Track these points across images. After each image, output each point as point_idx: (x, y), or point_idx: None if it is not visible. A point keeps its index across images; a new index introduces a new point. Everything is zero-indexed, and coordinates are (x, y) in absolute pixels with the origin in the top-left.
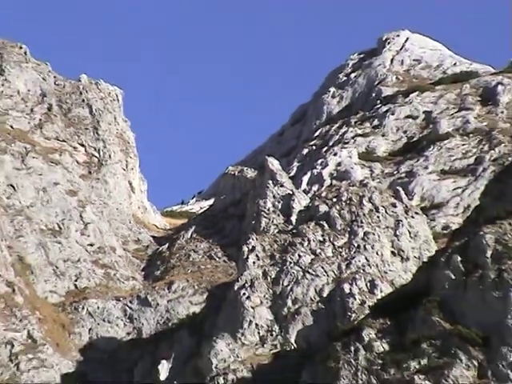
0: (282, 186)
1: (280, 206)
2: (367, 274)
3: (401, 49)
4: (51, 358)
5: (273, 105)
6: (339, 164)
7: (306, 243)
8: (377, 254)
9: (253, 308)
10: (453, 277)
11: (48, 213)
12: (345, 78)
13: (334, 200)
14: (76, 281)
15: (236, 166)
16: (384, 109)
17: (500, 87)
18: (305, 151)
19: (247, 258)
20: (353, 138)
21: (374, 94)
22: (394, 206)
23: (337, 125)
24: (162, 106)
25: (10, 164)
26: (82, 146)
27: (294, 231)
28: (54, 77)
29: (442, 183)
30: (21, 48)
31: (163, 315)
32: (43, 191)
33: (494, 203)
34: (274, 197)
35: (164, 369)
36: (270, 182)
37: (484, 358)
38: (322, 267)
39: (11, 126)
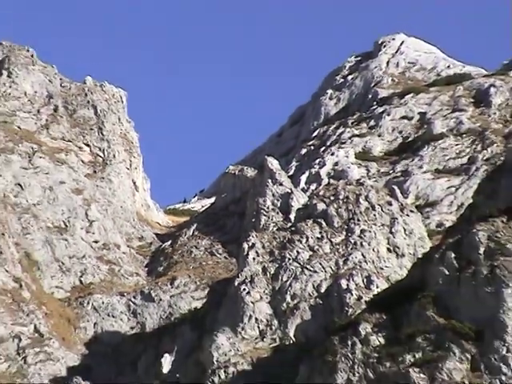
0: (281, 184)
1: (279, 204)
2: (364, 270)
3: (396, 52)
4: (57, 351)
5: (272, 106)
6: (336, 163)
7: (304, 240)
8: (373, 250)
9: (253, 303)
10: (447, 273)
11: (54, 211)
12: (342, 80)
13: (332, 198)
14: (81, 276)
15: (236, 166)
16: (380, 110)
17: (492, 89)
18: (303, 151)
19: (247, 254)
20: (350, 138)
21: (370, 96)
22: (390, 204)
23: (334, 125)
24: (164, 106)
25: (17, 163)
26: (87, 145)
27: (293, 228)
28: (60, 79)
29: (436, 182)
30: (28, 51)
31: (166, 310)
32: (49, 190)
33: (486, 201)
34: (273, 195)
35: (167, 362)
36: (270, 180)
37: (477, 352)
38: (320, 263)
39: (18, 127)
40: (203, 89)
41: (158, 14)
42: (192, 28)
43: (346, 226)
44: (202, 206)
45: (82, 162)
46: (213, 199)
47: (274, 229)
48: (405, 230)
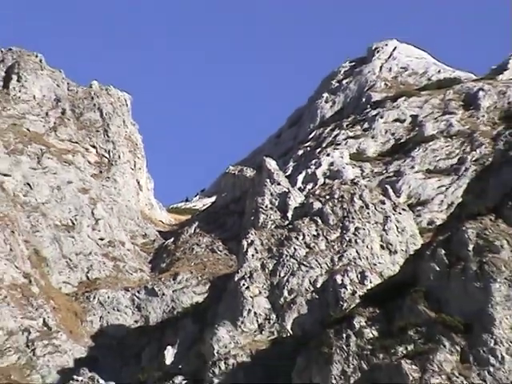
0: (278, 184)
1: (277, 203)
2: (358, 266)
3: (389, 57)
4: (65, 344)
5: (271, 108)
6: (332, 164)
7: (301, 237)
8: (367, 247)
9: (252, 298)
10: (437, 269)
11: (62, 209)
12: (337, 85)
13: (327, 197)
14: (88, 272)
15: (236, 166)
16: (373, 113)
17: (481, 93)
18: (300, 152)
19: (246, 251)
20: (344, 139)
21: (364, 99)
22: (383, 203)
23: (330, 128)
24: (167, 109)
25: (26, 164)
26: (94, 147)
27: (290, 226)
28: (68, 83)
29: (428, 182)
30: (36, 57)
31: (169, 304)
32: (57, 189)
33: (475, 200)
34: (271, 194)
35: (169, 354)
36: (268, 180)
37: (466, 344)
38: (316, 260)
39: (28, 129)
40: (204, 91)
41: (158, 14)
42: (193, 29)
43: (340, 224)
44: (203, 205)
45: (89, 162)
46: (213, 198)
47: (272, 226)
48: (397, 228)
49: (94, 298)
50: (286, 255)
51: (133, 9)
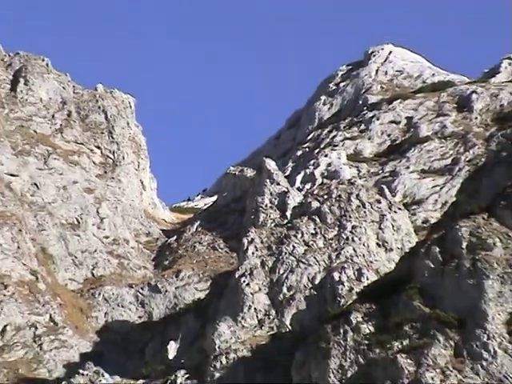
0: (278, 184)
1: (276, 203)
2: (355, 264)
3: (385, 61)
4: (71, 339)
5: (270, 110)
6: (329, 164)
7: (299, 236)
8: (363, 245)
9: (252, 294)
10: (432, 266)
11: (68, 208)
12: (334, 87)
13: (325, 197)
14: (93, 270)
15: (237, 167)
16: (370, 115)
17: (474, 95)
18: (299, 153)
19: (247, 249)
20: (342, 141)
21: (360, 102)
22: (379, 202)
23: (327, 129)
24: (171, 111)
25: (33, 165)
26: (98, 148)
27: (289, 225)
28: (73, 86)
29: (422, 181)
30: (43, 60)
31: (171, 300)
32: (63, 189)
33: (468, 200)
34: (270, 194)
35: (172, 349)
36: (268, 180)
37: (460, 339)
38: (314, 257)
39: (35, 131)
40: (204, 91)
41: (158, 14)
42: (192, 29)
43: (338, 223)
44: (205, 204)
45: (94, 163)
46: (215, 198)
47: (272, 225)
48: (393, 226)
49: (99, 294)
50: (285, 253)
51: (132, 9)
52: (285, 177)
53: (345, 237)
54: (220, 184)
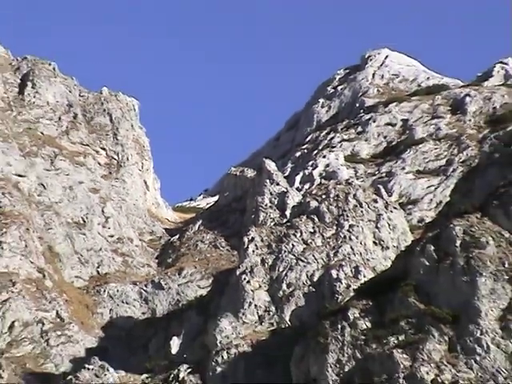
0: (277, 184)
1: (276, 202)
2: (352, 261)
3: (381, 65)
4: (77, 334)
5: (270, 113)
6: (328, 165)
7: (298, 234)
8: (360, 243)
9: (252, 291)
10: (427, 263)
11: (74, 208)
12: (332, 90)
13: (323, 197)
14: (98, 267)
15: (238, 167)
16: (367, 117)
17: (468, 98)
18: (298, 154)
19: (247, 247)
20: (339, 142)
21: (357, 105)
22: (376, 201)
23: (325, 131)
24: (174, 114)
25: (40, 166)
26: (103, 149)
27: (288, 224)
28: (79, 89)
29: (418, 182)
30: (50, 65)
31: (174, 297)
32: (69, 189)
33: (462, 199)
34: (270, 194)
35: (175, 344)
36: (268, 181)
37: (454, 334)
38: (313, 255)
39: (42, 133)
40: (204, 92)
41: (158, 14)
42: (193, 29)
43: (336, 222)
44: (207, 204)
45: (99, 164)
46: (216, 197)
47: (272, 224)
48: (389, 225)
49: (104, 291)
50: (285, 251)
51: (132, 9)
52: (284, 177)
53: (342, 235)
54: (221, 184)
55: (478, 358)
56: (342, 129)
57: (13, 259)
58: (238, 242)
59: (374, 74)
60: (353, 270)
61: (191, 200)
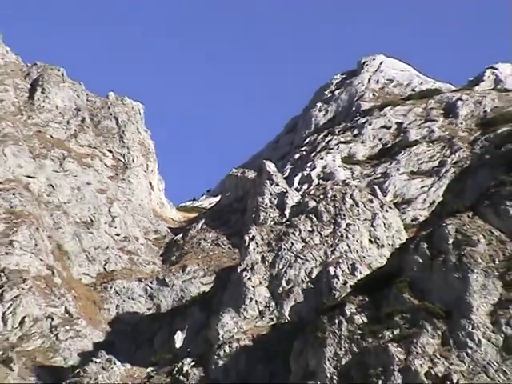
0: (277, 185)
1: (276, 202)
2: (349, 259)
3: (376, 70)
4: (85, 329)
5: (269, 117)
6: (325, 166)
7: (297, 233)
8: (357, 241)
9: (253, 287)
10: (420, 261)
11: (82, 208)
12: (330, 95)
13: (321, 197)
14: (105, 265)
15: (239, 169)
16: (363, 120)
17: (459, 102)
18: (296, 156)
19: (248, 245)
20: (336, 144)
21: (354, 108)
22: (371, 201)
23: (323, 134)
24: (178, 117)
25: (50, 167)
26: (110, 152)
27: (288, 223)
28: (87, 94)
29: (412, 182)
30: (59, 70)
31: (178, 293)
32: (78, 190)
33: (454, 199)
34: (270, 194)
35: (179, 338)
36: (268, 181)
37: (446, 329)
38: (311, 253)
39: (51, 136)
40: (204, 93)
41: (158, 14)
42: (193, 29)
43: (333, 221)
44: (209, 204)
45: (106, 165)
46: (218, 198)
47: (272, 223)
48: (384, 224)
49: (111, 287)
50: (284, 249)
51: (132, 9)
52: (283, 178)
53: (339, 234)
54: (223, 185)
55: (469, 352)
56: (338, 131)
57: (23, 257)
58: (239, 240)
59: (369, 79)
60: (349, 267)
61: (194, 200)
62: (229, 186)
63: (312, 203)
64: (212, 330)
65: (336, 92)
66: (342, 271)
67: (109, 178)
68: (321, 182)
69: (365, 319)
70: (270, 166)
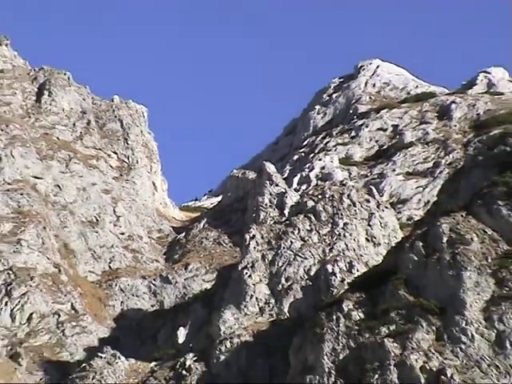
0: (276, 185)
1: (275, 202)
2: (346, 257)
3: (373, 74)
4: (90, 325)
5: (269, 119)
6: (323, 167)
7: (296, 232)
8: (354, 240)
9: (253, 285)
10: (415, 259)
11: (87, 208)
12: (328, 98)
13: (320, 197)
14: (110, 263)
15: (239, 170)
16: (360, 123)
17: (453, 105)
18: (295, 157)
19: (249, 244)
20: (334, 146)
21: (351, 111)
22: (368, 201)
23: (321, 136)
24: (181, 120)
25: (56, 168)
26: (115, 153)
27: (287, 222)
28: (92, 97)
29: (407, 183)
30: (65, 74)
31: (181, 290)
32: (83, 190)
33: (448, 199)
34: (270, 194)
35: (182, 334)
36: (267, 182)
37: (441, 325)
38: (310, 251)
39: (57, 138)
40: (204, 94)
41: (158, 14)
42: (193, 29)
43: (331, 220)
44: (211, 204)
45: (111, 166)
46: (220, 198)
47: (271, 222)
48: (380, 223)
49: (116, 285)
50: (284, 247)
51: (131, 9)
52: (283, 179)
53: (337, 233)
54: (224, 185)
55: (463, 347)
56: (336, 134)
57: (31, 255)
58: (240, 239)
59: (366, 83)
60: (347, 264)
61: (196, 200)
62: (230, 186)
63: (310, 203)
64: (214, 326)
65: (334, 95)
66: (340, 269)
67: (113, 179)
68: (319, 182)
69: (362, 315)
70: (270, 167)
